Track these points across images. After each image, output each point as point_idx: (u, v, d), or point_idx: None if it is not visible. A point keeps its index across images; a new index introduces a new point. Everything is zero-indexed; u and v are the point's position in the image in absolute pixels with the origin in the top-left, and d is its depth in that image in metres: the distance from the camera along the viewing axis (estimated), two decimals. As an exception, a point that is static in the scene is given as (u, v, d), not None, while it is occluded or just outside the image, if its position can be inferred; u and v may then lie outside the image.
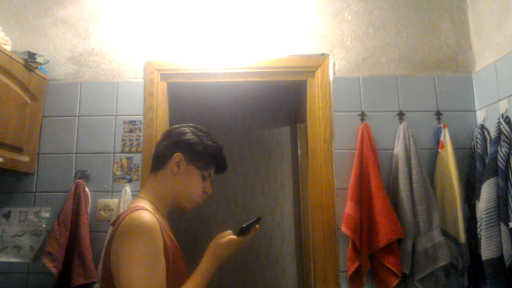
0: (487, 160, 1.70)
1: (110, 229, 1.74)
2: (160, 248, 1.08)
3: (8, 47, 1.81)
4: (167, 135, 1.30)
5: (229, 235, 1.24)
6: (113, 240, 1.09)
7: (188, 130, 1.29)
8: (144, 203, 1.18)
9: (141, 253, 1.03)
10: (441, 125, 1.92)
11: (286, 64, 2.06)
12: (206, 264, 1.19)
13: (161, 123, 2.01)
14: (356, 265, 1.76)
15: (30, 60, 1.86)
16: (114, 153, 1.97)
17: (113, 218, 1.42)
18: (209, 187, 1.31)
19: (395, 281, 1.70)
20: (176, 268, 1.14)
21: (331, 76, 2.04)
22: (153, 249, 1.06)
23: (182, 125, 1.33)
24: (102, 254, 1.72)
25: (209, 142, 1.28)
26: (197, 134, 1.28)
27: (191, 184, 1.26)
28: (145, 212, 1.11)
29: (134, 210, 1.11)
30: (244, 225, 1.25)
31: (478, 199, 1.70)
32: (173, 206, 1.29)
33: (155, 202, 1.22)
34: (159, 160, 1.27)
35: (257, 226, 1.27)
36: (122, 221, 1.09)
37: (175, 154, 1.24)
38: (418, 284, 1.73)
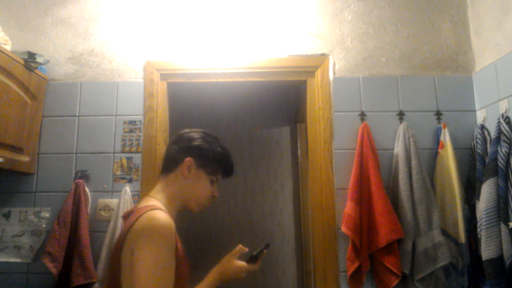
0: (487, 160, 1.70)
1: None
2: (173, 251, 1.12)
3: (8, 47, 1.81)
4: (178, 139, 1.35)
5: (240, 259, 1.32)
6: (128, 236, 1.11)
7: (199, 136, 1.34)
8: (157, 203, 1.22)
9: (157, 256, 1.07)
10: (441, 125, 1.92)
11: (286, 64, 2.06)
12: (212, 278, 1.26)
13: (161, 123, 2.01)
14: (356, 265, 1.76)
15: (30, 60, 1.86)
16: (114, 153, 1.97)
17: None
18: (216, 191, 1.37)
19: (395, 281, 1.70)
20: (181, 271, 1.16)
21: (331, 76, 2.04)
22: (168, 252, 1.10)
23: (192, 130, 1.38)
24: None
25: (219, 149, 1.34)
26: (207, 140, 1.34)
27: (200, 188, 1.31)
28: (163, 212, 1.14)
29: (151, 209, 1.13)
30: (254, 253, 1.33)
31: (478, 199, 1.70)
32: (181, 208, 1.33)
33: (165, 203, 1.26)
34: (170, 163, 1.32)
35: (264, 251, 1.36)
36: (139, 218, 1.11)
37: (187, 159, 1.29)
38: (418, 284, 1.73)
